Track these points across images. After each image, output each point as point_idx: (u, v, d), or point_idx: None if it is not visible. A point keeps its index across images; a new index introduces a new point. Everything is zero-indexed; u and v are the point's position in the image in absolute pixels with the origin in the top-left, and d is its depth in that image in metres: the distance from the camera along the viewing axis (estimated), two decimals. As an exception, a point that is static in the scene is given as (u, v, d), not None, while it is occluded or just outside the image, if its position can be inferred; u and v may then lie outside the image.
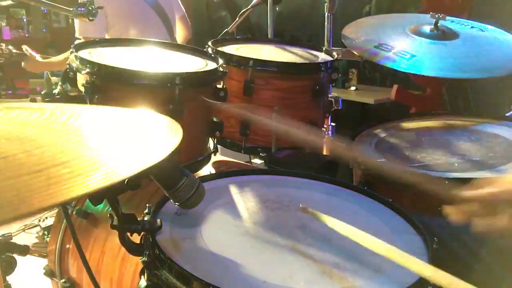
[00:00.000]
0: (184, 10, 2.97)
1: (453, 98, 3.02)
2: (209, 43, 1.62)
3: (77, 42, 1.69)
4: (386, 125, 1.68)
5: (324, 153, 1.78)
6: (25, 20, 6.53)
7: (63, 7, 1.95)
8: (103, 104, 1.03)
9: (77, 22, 2.60)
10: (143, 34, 2.48)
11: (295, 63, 1.64)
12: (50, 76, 1.52)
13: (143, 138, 0.73)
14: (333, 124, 1.88)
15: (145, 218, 0.88)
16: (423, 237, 0.93)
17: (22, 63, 2.72)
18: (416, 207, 1.14)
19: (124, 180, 0.55)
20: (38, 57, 2.72)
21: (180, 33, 2.95)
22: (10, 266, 1.25)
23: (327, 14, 1.96)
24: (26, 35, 6.51)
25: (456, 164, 1.35)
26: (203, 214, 0.97)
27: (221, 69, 1.37)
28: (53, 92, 1.30)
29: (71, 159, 0.58)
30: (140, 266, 0.86)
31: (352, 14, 3.35)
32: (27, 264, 1.37)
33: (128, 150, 0.66)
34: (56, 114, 0.74)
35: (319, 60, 1.71)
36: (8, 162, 0.55)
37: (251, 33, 4.17)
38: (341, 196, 1.12)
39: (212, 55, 1.49)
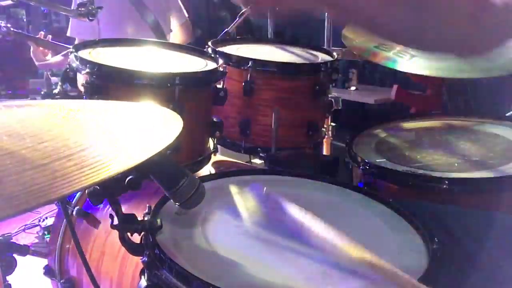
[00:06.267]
0: (186, 16, 2.84)
1: (453, 98, 3.02)
2: (209, 43, 1.62)
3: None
4: (386, 125, 1.68)
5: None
6: (25, 20, 6.51)
7: (63, 7, 1.95)
8: (103, 104, 1.03)
9: (71, 21, 2.57)
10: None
11: (295, 63, 1.64)
12: (50, 76, 1.52)
13: (144, 129, 0.73)
14: (333, 124, 1.88)
15: (145, 218, 0.88)
16: (423, 237, 0.93)
17: (31, 51, 2.68)
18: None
19: (125, 179, 0.55)
20: (49, 56, 2.64)
21: (179, 39, 2.84)
22: (10, 266, 1.25)
23: (327, 14, 1.96)
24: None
25: (456, 164, 1.35)
26: (203, 214, 0.97)
27: (221, 69, 1.37)
28: (53, 92, 1.31)
29: (75, 152, 0.58)
30: (140, 266, 0.85)
31: (352, 14, 3.34)
32: (27, 264, 1.37)
33: (131, 140, 0.66)
34: (56, 110, 0.74)
35: (319, 60, 1.70)
36: (12, 158, 0.55)
37: (251, 33, 4.17)
38: (341, 196, 1.12)
39: (212, 55, 1.49)
